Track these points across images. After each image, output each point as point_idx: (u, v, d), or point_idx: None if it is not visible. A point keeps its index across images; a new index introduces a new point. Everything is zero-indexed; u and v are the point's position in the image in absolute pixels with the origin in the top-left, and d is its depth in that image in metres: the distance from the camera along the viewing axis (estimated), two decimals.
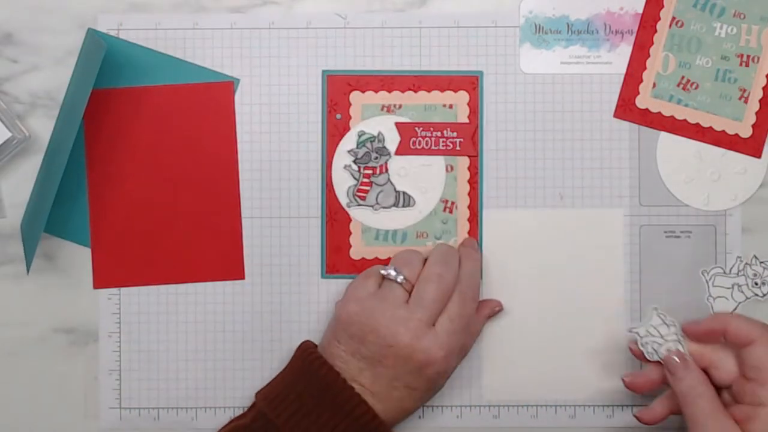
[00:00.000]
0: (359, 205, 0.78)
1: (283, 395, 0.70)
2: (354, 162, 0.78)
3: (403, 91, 0.78)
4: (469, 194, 0.78)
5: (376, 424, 0.69)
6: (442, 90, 0.78)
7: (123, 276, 0.78)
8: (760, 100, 0.77)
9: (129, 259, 0.78)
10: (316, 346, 0.73)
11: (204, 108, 0.78)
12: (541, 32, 0.78)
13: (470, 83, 0.78)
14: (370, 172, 0.78)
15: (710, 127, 0.78)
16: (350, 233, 0.78)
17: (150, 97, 0.78)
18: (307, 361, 0.71)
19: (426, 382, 0.70)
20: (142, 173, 0.78)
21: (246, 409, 0.72)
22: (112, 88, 0.77)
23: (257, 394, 0.72)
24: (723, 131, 0.78)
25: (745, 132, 0.78)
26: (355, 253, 0.78)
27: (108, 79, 0.77)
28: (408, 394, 0.70)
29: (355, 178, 0.78)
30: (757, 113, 0.77)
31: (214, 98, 0.78)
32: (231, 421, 0.72)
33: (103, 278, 0.78)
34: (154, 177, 0.78)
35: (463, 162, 0.78)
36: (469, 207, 0.78)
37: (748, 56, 0.77)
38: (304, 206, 0.78)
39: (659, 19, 0.78)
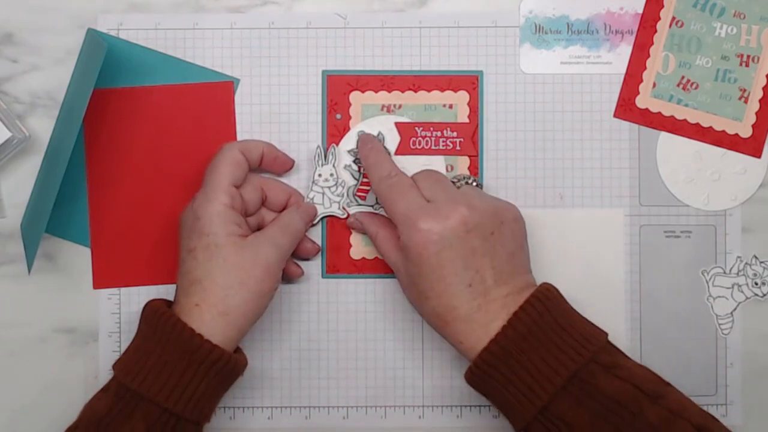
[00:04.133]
0: (359, 205, 0.78)
1: (134, 360, 0.70)
2: (354, 162, 0.78)
3: (403, 91, 0.78)
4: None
5: (218, 354, 0.69)
6: (442, 90, 0.78)
7: (123, 276, 0.78)
8: (760, 100, 0.77)
9: (129, 259, 0.78)
10: (159, 302, 0.72)
11: (204, 108, 0.78)
12: (541, 32, 0.78)
13: (470, 83, 0.78)
14: None
15: (710, 127, 0.78)
16: (350, 233, 0.78)
17: (150, 97, 0.78)
18: (148, 319, 0.71)
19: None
20: (142, 173, 0.78)
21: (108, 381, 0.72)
22: (112, 88, 0.77)
23: (114, 365, 0.71)
24: (723, 131, 0.78)
25: (745, 132, 0.78)
26: (356, 253, 0.78)
27: (108, 79, 0.77)
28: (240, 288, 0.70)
29: (355, 178, 0.78)
30: (757, 113, 0.78)
31: (214, 98, 0.78)
32: (91, 399, 0.71)
33: (103, 278, 0.78)
34: (154, 177, 0.78)
35: (463, 162, 0.78)
36: None
37: (748, 56, 0.78)
38: None
39: (659, 19, 0.78)
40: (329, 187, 0.77)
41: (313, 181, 0.77)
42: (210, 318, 0.70)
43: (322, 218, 0.78)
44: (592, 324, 0.70)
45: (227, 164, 0.73)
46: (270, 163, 0.76)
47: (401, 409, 0.78)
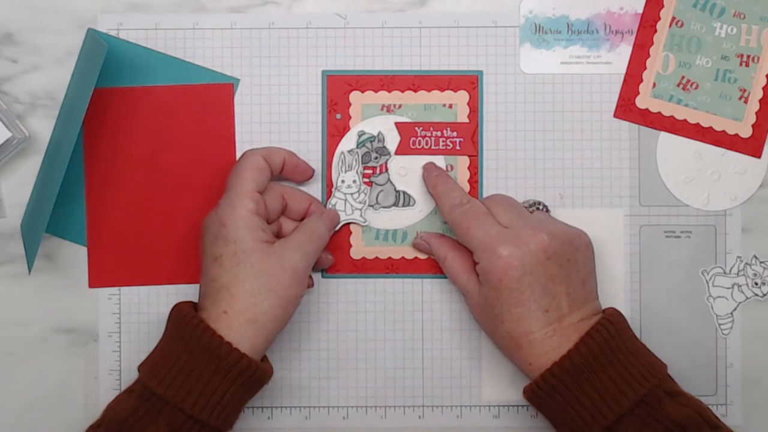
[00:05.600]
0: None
1: (161, 363, 0.70)
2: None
3: (403, 91, 0.78)
4: (469, 194, 0.78)
5: (245, 363, 0.69)
6: (442, 90, 0.78)
7: (119, 275, 0.78)
8: (760, 100, 0.77)
9: (125, 258, 0.78)
10: (187, 306, 0.72)
11: (203, 109, 0.78)
12: (541, 32, 0.78)
13: (470, 83, 0.78)
14: (370, 172, 0.78)
15: (710, 127, 0.78)
16: (350, 233, 0.78)
17: (149, 97, 0.78)
18: (176, 323, 0.71)
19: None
20: (140, 172, 0.78)
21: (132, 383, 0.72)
22: (111, 87, 0.77)
23: (140, 366, 0.71)
24: (723, 131, 0.78)
25: (745, 132, 0.78)
26: (356, 252, 0.78)
27: (108, 79, 0.77)
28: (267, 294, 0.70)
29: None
30: (757, 113, 0.78)
31: (213, 100, 0.78)
32: (115, 400, 0.71)
33: (98, 277, 0.78)
34: (152, 176, 0.78)
35: (463, 162, 0.78)
36: None
37: (748, 56, 0.78)
38: None
39: (659, 19, 0.78)
40: (352, 194, 0.77)
41: (336, 187, 0.77)
42: (238, 325, 0.69)
43: (343, 226, 0.77)
44: (653, 353, 0.72)
45: (250, 170, 0.73)
46: (291, 170, 0.76)
47: (401, 409, 0.78)
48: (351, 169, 0.77)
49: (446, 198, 0.75)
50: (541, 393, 0.70)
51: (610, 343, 0.69)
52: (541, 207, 0.76)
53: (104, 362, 0.78)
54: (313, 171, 0.77)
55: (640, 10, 0.78)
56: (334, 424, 0.78)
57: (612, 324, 0.70)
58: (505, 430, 0.78)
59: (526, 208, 0.75)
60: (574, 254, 0.72)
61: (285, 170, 0.76)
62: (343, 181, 0.77)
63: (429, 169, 0.77)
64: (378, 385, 0.78)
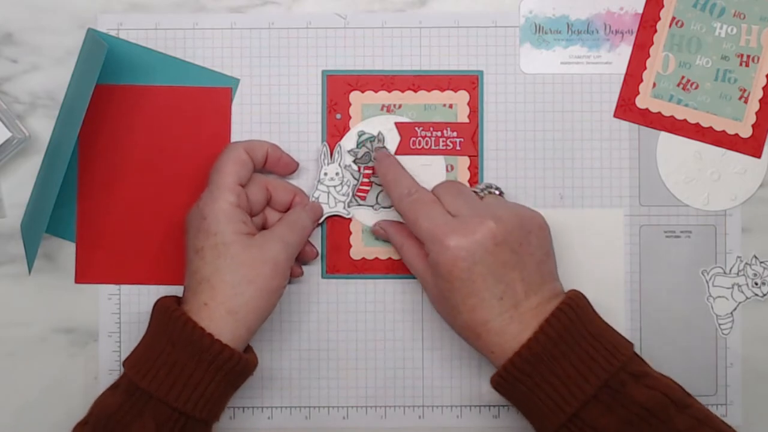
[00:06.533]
0: (359, 205, 0.78)
1: (144, 358, 0.70)
2: (354, 162, 0.78)
3: (403, 91, 0.78)
4: None
5: (227, 354, 0.69)
6: (442, 90, 0.78)
7: (107, 273, 0.78)
8: (760, 100, 0.77)
9: (115, 256, 0.77)
10: (170, 300, 0.72)
11: (200, 111, 0.78)
12: (541, 32, 0.78)
13: (470, 83, 0.78)
14: (370, 172, 0.78)
15: (710, 127, 0.78)
16: (350, 233, 0.78)
17: (147, 96, 0.78)
18: (159, 316, 0.71)
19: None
20: (132, 170, 0.77)
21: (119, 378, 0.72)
22: (110, 84, 0.77)
23: (125, 362, 0.71)
24: (723, 131, 0.78)
25: (745, 132, 0.78)
26: (356, 253, 0.78)
27: (108, 78, 0.77)
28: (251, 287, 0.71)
29: (355, 178, 0.78)
30: (757, 113, 0.78)
31: (211, 102, 0.78)
32: (101, 396, 0.71)
33: (85, 273, 0.78)
34: (146, 175, 0.78)
35: (464, 162, 0.78)
36: None
37: (748, 56, 0.78)
38: None
39: (659, 19, 0.78)
40: (334, 186, 0.77)
41: (319, 180, 0.77)
42: (219, 316, 0.70)
43: (327, 218, 0.78)
44: (619, 333, 0.71)
45: (232, 163, 0.73)
46: (274, 163, 0.76)
47: (401, 409, 0.78)
48: (333, 161, 0.77)
49: (395, 188, 0.74)
50: (505, 383, 0.70)
51: (569, 328, 0.69)
52: (493, 189, 0.75)
53: (104, 362, 0.78)
54: (297, 164, 0.77)
55: (640, 10, 0.78)
56: (334, 424, 0.78)
57: (572, 308, 0.69)
58: (505, 430, 0.78)
59: (476, 193, 0.74)
60: (526, 237, 0.71)
61: (268, 163, 0.76)
62: (325, 174, 0.77)
63: (380, 158, 0.76)
64: (378, 385, 0.78)
